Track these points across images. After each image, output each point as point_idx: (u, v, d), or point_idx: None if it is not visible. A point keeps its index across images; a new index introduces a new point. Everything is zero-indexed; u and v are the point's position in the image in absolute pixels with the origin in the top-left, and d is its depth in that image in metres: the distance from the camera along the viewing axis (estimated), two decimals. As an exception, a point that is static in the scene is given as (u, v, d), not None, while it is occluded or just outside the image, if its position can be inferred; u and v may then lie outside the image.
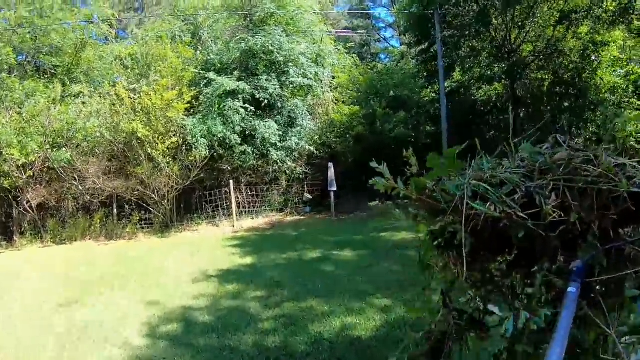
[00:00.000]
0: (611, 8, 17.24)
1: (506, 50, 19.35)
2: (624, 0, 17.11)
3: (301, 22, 16.73)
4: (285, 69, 15.34)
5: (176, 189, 13.63)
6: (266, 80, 14.85)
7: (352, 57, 22.29)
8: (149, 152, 12.99)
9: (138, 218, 13.82)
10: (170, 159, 13.51)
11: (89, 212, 13.96)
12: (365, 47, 34.10)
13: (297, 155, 16.22)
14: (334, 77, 19.75)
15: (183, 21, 17.79)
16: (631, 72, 19.72)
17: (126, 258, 10.42)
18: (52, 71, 17.36)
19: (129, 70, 15.80)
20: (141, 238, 13.26)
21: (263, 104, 14.85)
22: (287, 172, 16.05)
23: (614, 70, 19.62)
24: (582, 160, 1.62)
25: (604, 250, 1.52)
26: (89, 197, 13.79)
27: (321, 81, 17.49)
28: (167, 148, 13.24)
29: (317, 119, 18.26)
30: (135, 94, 13.54)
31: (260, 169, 15.84)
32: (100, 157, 13.70)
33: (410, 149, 2.28)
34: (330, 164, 15.34)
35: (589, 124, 20.20)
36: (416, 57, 21.72)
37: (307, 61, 15.94)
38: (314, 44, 17.07)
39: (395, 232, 10.72)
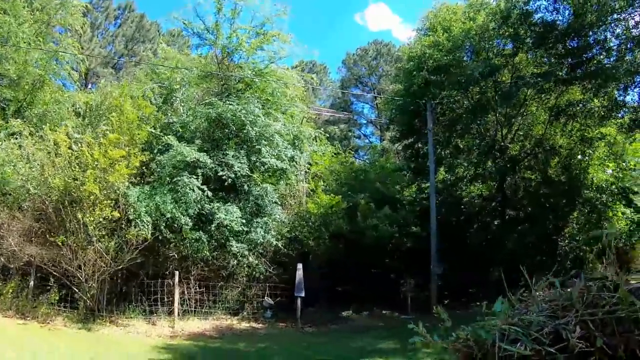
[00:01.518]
0: (604, 103, 17.39)
1: (496, 148, 19.04)
2: (613, 95, 17.37)
3: (281, 98, 15.73)
4: (257, 147, 13.78)
5: (107, 271, 11.30)
6: (233, 156, 13.18)
7: (334, 145, 21.64)
8: (83, 219, 10.93)
9: (57, 298, 11.21)
10: (106, 234, 11.36)
11: (3, 279, 11.44)
12: (345, 141, 33.97)
13: (261, 250, 14.34)
14: (310, 165, 18.72)
15: (158, 84, 16.41)
16: (620, 169, 19.77)
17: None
18: (2, 105, 15.52)
19: (79, 119, 14.09)
20: (58, 323, 10.63)
21: (226, 184, 13.09)
22: (248, 268, 14.11)
23: (604, 169, 19.54)
24: (598, 288, 1.94)
25: None
26: (3, 260, 11.33)
27: (296, 167, 16.30)
28: (105, 219, 11.25)
29: (289, 209, 16.76)
30: (77, 145, 11.65)
31: (215, 261, 13.89)
32: (26, 214, 11.58)
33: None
34: (300, 265, 13.45)
35: (574, 224, 19.81)
36: (401, 152, 21.10)
37: (283, 142, 14.55)
38: (292, 124, 16.01)
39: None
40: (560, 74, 16.76)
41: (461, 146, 20.41)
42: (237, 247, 12.83)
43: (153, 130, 12.97)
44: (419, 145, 20.75)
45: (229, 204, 13.10)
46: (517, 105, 18.97)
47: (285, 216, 15.28)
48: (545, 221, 18.86)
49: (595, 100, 17.47)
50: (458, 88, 18.68)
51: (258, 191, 13.95)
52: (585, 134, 18.37)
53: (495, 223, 18.91)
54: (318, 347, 10.46)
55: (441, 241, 16.61)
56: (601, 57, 16.80)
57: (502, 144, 19.05)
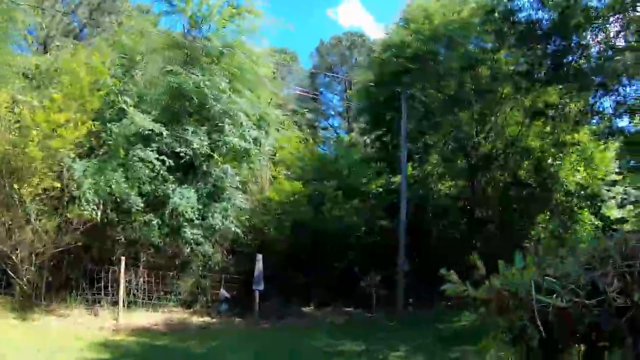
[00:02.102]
0: (580, 108, 17.35)
1: (468, 146, 18.77)
2: (588, 100, 17.25)
3: (249, 75, 14.64)
4: (220, 125, 12.84)
5: (45, 253, 10.02)
6: (193, 133, 12.14)
7: (303, 130, 20.93)
8: (20, 191, 9.69)
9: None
10: (47, 211, 10.19)
11: None
12: (312, 130, 32.99)
13: (218, 239, 13.52)
14: (275, 150, 17.88)
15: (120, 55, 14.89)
16: (590, 177, 20.05)
17: None
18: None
19: (27, 81, 12.52)
20: (-8, 312, 9.33)
21: (183, 162, 12.09)
22: (203, 257, 13.22)
23: (575, 173, 19.64)
24: (636, 240, 1.85)
25: None
26: None
27: (260, 150, 15.47)
28: (46, 194, 10.06)
29: (250, 196, 15.93)
30: (19, 108, 10.17)
31: (167, 248, 12.95)
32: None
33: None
34: (259, 256, 12.49)
35: (542, 227, 19.87)
36: (369, 144, 20.51)
37: (247, 122, 13.62)
38: (259, 104, 15.05)
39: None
40: (540, 74, 16.56)
41: (431, 143, 20.05)
42: (191, 233, 11.89)
43: (103, 93, 11.38)
44: (390, 137, 20.28)
45: (186, 186, 12.08)
46: (493, 103, 18.70)
47: (246, 203, 14.43)
48: (513, 223, 18.83)
49: (572, 105, 17.42)
50: (435, 79, 18.27)
51: (218, 173, 12.93)
52: (559, 137, 18.32)
53: (464, 222, 18.66)
54: (274, 347, 9.68)
55: (408, 238, 16.22)
56: (581, 61, 16.73)
57: (475, 141, 18.79)
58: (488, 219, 19.84)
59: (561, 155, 19.05)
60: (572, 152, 19.22)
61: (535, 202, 18.66)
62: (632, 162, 20.59)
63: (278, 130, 16.49)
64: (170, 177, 11.82)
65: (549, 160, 19.07)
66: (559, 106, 17.49)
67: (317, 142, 20.98)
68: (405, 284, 15.50)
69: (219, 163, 13.18)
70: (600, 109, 17.55)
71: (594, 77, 16.25)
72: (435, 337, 10.55)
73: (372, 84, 19.45)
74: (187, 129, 12.20)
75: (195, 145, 11.99)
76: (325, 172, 16.29)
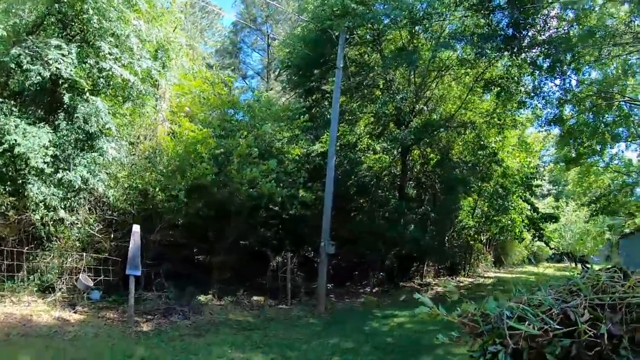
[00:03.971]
0: (527, 90, 16.71)
1: (403, 115, 16.80)
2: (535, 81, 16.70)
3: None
4: (97, 42, 9.18)
5: None
6: (56, 47, 8.31)
7: (216, 69, 17.57)
8: None
9: None
10: None
11: None
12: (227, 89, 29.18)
13: (82, 202, 10.18)
14: (177, 88, 14.31)
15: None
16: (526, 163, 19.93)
17: None
18: None
19: None
20: None
21: (36, 86, 8.36)
22: (65, 228, 9.85)
23: (513, 157, 19.58)
24: (608, 277, 1.93)
25: None
26: None
27: (156, 87, 12.07)
28: None
29: (135, 147, 12.53)
30: None
31: (8, 213, 9.47)
32: None
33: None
34: (136, 229, 9.01)
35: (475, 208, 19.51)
36: (297, 99, 17.64)
37: (140, 46, 10.25)
38: (159, 27, 11.41)
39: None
40: (493, 42, 15.06)
41: (363, 111, 17.85)
42: (40, 191, 8.47)
43: None
44: (318, 96, 17.74)
45: (38, 123, 8.54)
46: (434, 71, 17.19)
47: (128, 155, 11.04)
48: (445, 202, 17.41)
49: (519, 85, 16.54)
50: (374, 32, 16.20)
51: (88, 110, 9.09)
52: (499, 118, 17.38)
53: (394, 200, 16.67)
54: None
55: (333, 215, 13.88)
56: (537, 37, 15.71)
57: (414, 109, 16.81)
58: (420, 197, 18.30)
59: (502, 136, 18.42)
60: (512, 136, 18.94)
61: (468, 182, 17.39)
62: (573, 151, 20.79)
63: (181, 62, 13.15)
64: (12, 109, 8.33)
65: (490, 140, 18.05)
66: (504, 81, 16.31)
67: (230, 87, 17.54)
68: (329, 270, 13.22)
69: (91, 97, 9.60)
70: (547, 96, 17.13)
71: (543, 59, 15.72)
72: (372, 346, 8.29)
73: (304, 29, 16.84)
74: (48, 41, 8.58)
75: (55, 64, 8.39)
76: (236, 122, 13.20)
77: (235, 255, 12.36)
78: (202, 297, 10.83)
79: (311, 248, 14.83)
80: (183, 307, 9.76)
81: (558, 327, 1.79)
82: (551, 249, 19.69)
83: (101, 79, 9.76)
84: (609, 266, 2.14)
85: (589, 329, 1.73)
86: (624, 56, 16.96)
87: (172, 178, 10.76)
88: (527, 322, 1.85)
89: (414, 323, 10.63)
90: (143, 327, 8.57)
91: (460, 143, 18.45)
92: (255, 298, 11.62)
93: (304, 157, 14.92)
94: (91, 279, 9.52)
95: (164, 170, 11.08)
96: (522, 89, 16.65)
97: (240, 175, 11.07)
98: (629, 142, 21.86)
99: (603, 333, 1.72)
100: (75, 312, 8.83)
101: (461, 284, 18.36)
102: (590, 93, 17.47)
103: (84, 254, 9.84)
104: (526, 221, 18.81)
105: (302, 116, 14.34)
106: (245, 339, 8.27)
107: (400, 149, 17.28)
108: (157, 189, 10.58)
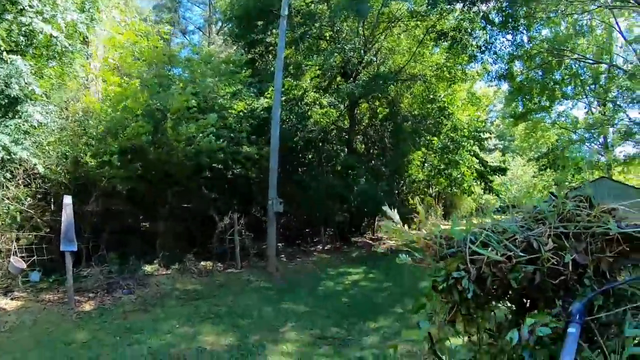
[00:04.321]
0: (479, 44, 16.57)
1: (351, 68, 16.40)
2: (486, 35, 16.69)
3: None
4: None
5: None
6: None
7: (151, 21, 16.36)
8: None
9: None
10: None
11: None
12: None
13: (9, 176, 9.26)
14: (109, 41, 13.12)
15: None
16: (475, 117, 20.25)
17: None
18: None
19: None
20: None
21: None
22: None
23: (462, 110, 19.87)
24: (574, 206, 1.87)
25: (602, 291, 1.65)
26: None
27: (87, 44, 11.10)
28: None
29: (64, 111, 11.46)
30: None
31: None
32: None
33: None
34: (67, 200, 8.26)
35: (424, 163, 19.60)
36: (241, 49, 16.74)
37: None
38: None
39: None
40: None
41: (309, 64, 17.24)
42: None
43: None
44: (262, 49, 16.97)
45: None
46: (383, 22, 16.76)
47: (55, 120, 10.14)
48: (394, 156, 17.36)
49: (470, 39, 16.37)
50: None
51: (6, 71, 7.93)
52: (450, 72, 17.28)
53: (343, 154, 16.47)
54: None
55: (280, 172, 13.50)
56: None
57: (362, 61, 16.39)
58: (369, 152, 18.20)
59: (451, 89, 18.51)
60: (462, 90, 19.10)
61: (416, 137, 17.35)
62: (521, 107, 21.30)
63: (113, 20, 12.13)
64: None
65: (440, 93, 17.99)
66: (458, 36, 16.07)
67: (167, 40, 16.34)
68: (279, 229, 13.03)
69: (10, 57, 8.64)
70: (498, 51, 17.21)
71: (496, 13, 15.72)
72: (328, 309, 8.22)
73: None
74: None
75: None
76: (174, 79, 12.34)
77: (180, 221, 11.85)
78: (147, 268, 10.31)
79: (260, 207, 14.51)
80: (127, 281, 9.25)
81: (522, 254, 1.76)
82: (502, 201, 20.12)
83: (21, 37, 8.83)
84: (576, 195, 2.06)
85: (553, 256, 1.72)
86: (576, 16, 17.20)
87: (104, 141, 9.99)
88: (490, 248, 1.82)
89: (368, 280, 10.68)
90: (85, 306, 7.99)
91: (409, 96, 18.27)
92: (203, 264, 11.20)
93: (249, 112, 14.28)
94: (24, 260, 8.84)
95: (95, 134, 10.27)
96: (474, 43, 16.51)
97: (176, 133, 10.38)
98: (576, 100, 22.61)
99: (568, 262, 1.71)
100: (12, 299, 8.18)
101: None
102: (542, 50, 17.66)
103: (16, 233, 9.13)
104: (475, 175, 19.10)
105: (244, 69, 13.65)
106: (194, 309, 7.91)
107: (348, 103, 16.97)
108: (89, 155, 9.79)
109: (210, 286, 9.70)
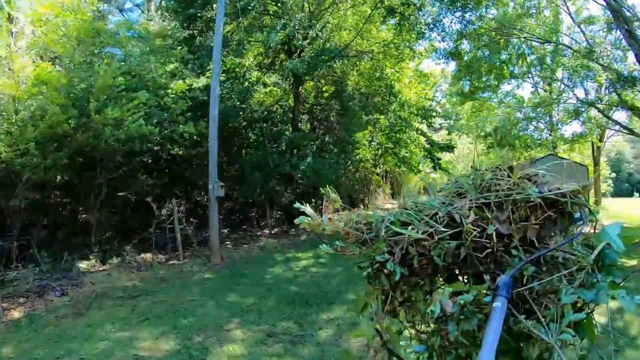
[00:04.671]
0: (427, 20, 16.52)
1: (294, 44, 15.87)
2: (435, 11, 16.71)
3: None
4: None
5: None
6: None
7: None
8: None
9: None
10: None
11: None
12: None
13: None
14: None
15: None
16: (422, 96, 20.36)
17: None
18: None
19: None
20: None
21: None
22: None
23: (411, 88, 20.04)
24: (493, 176, 1.79)
25: (531, 260, 1.59)
26: None
27: (12, 22, 10.09)
28: None
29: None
30: None
31: None
32: None
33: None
34: None
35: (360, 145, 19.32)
36: (178, 26, 15.76)
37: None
38: None
39: None
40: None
41: (251, 41, 16.63)
42: None
43: None
44: (202, 25, 16.07)
45: None
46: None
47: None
48: (340, 135, 17.16)
49: (418, 16, 16.29)
50: None
51: None
52: (397, 49, 17.15)
53: (288, 133, 16.07)
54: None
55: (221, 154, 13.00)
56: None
57: (306, 37, 15.89)
58: (315, 131, 17.90)
59: (398, 67, 18.34)
60: (409, 67, 19.08)
61: (368, 111, 17.20)
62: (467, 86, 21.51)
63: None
64: None
65: (386, 71, 17.77)
66: (406, 11, 15.77)
67: (94, 10, 14.93)
68: (223, 214, 12.59)
69: None
70: (446, 29, 17.45)
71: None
72: (276, 299, 7.96)
73: None
74: None
75: None
76: (102, 54, 11.39)
77: (114, 210, 11.23)
78: (83, 265, 9.69)
79: (202, 192, 14.00)
80: (60, 281, 8.62)
81: (444, 229, 1.70)
82: (449, 177, 20.30)
83: None
84: (495, 166, 1.96)
85: (474, 228, 1.65)
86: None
87: (23, 129, 9.10)
88: (411, 227, 1.74)
89: (318, 266, 10.45)
90: (14, 314, 7.26)
91: (355, 74, 18.01)
92: (143, 256, 10.66)
93: (187, 91, 13.50)
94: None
95: (13, 121, 9.31)
96: (422, 20, 16.42)
97: (102, 116, 9.54)
98: (522, 80, 23.09)
99: (491, 233, 1.64)
100: None
101: (361, 217, 18.66)
102: (490, 28, 17.77)
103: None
104: (423, 152, 19.12)
105: (182, 46, 12.91)
106: (132, 310, 7.37)
107: (292, 81, 16.55)
108: (5, 145, 8.88)
109: (151, 281, 9.15)
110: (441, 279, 1.83)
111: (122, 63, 10.79)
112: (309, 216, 2.02)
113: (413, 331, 1.89)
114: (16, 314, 7.35)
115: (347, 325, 6.48)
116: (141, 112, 10.04)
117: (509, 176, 1.78)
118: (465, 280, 1.78)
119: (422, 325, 1.87)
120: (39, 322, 6.98)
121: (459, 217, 1.70)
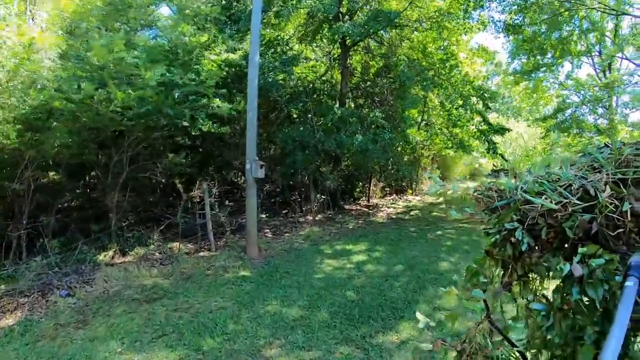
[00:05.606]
0: None
1: (342, 12, 14.12)
2: None
3: None
4: None
5: None
6: None
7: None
8: None
9: None
10: None
11: None
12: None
13: None
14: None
15: None
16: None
17: None
18: None
19: None
20: None
21: None
22: None
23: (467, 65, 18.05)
24: (632, 152, 1.67)
25: None
26: None
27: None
28: None
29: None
30: None
31: None
32: None
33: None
34: None
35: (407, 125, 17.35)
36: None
37: None
38: None
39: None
40: None
41: (297, 6, 14.87)
42: None
43: None
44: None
45: None
46: None
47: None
48: (393, 111, 15.32)
49: None
50: None
51: None
52: (453, 20, 15.03)
53: (335, 108, 14.30)
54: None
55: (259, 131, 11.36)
56: None
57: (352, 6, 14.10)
58: (362, 106, 16.09)
59: (455, 39, 16.37)
60: (465, 42, 17.40)
61: (425, 87, 15.31)
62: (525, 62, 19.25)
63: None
64: None
65: (441, 44, 16.03)
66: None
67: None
68: (261, 198, 11.01)
69: None
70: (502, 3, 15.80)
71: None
72: (330, 310, 6.31)
73: None
74: None
75: None
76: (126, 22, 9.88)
77: (137, 193, 9.78)
78: (100, 256, 8.33)
79: (240, 172, 12.45)
80: (69, 277, 7.30)
81: (578, 202, 1.54)
82: (506, 162, 18.06)
83: None
84: (635, 142, 1.71)
85: (610, 204, 1.47)
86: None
87: (43, 109, 7.61)
88: (544, 197, 1.62)
89: (374, 262, 8.75)
90: (9, 320, 5.94)
91: (405, 47, 16.06)
92: (170, 246, 9.24)
93: (223, 63, 11.88)
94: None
95: (20, 97, 7.84)
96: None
97: (106, 105, 7.96)
98: (587, 57, 20.57)
99: (626, 210, 1.44)
100: None
101: (410, 204, 16.80)
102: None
103: None
104: (478, 134, 16.96)
105: (212, 3, 11.25)
106: (146, 320, 5.84)
107: (339, 53, 14.80)
108: (8, 125, 7.45)
109: (174, 279, 7.68)
110: (564, 259, 1.61)
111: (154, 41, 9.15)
112: (438, 184, 2.02)
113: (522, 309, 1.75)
114: (10, 319, 5.97)
115: (425, 355, 4.74)
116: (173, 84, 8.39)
117: None
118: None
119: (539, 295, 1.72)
120: (33, 331, 5.59)
121: (593, 190, 1.58)
